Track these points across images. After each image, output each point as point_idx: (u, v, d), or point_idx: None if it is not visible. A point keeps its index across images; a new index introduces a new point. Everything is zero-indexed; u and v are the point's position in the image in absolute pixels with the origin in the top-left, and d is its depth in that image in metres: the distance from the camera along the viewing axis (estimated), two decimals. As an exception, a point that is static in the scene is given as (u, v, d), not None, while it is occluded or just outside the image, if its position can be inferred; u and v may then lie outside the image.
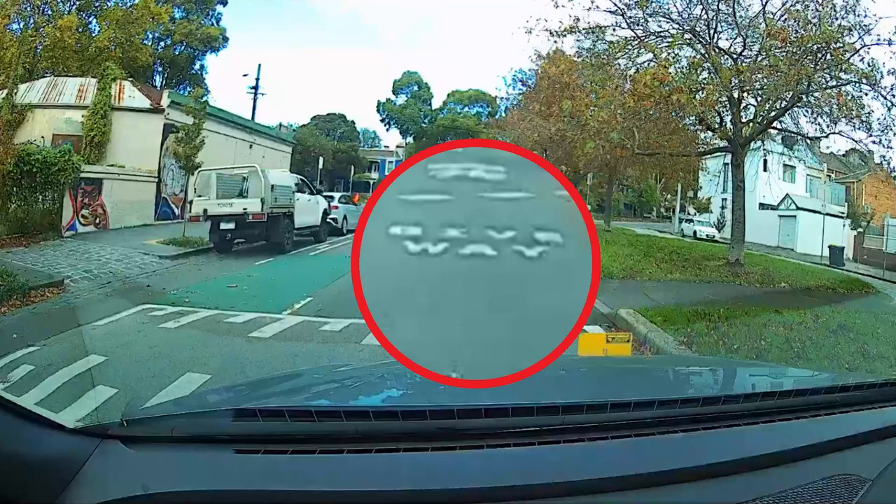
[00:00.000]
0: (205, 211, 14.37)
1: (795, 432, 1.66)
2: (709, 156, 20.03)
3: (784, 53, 12.01)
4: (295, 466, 1.40)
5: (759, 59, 12.78)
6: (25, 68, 26.72)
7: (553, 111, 22.13)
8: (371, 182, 70.69)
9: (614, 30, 14.25)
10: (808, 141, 19.03)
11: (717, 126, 14.23)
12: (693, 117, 14.23)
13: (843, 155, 47.93)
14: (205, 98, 19.22)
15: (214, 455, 1.45)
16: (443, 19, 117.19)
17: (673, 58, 12.77)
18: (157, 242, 14.77)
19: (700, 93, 12.09)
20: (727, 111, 14.02)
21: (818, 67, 11.87)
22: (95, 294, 9.65)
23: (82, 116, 20.59)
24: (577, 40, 15.79)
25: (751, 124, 14.14)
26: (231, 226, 14.32)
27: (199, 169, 15.86)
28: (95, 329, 7.13)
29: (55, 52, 28.34)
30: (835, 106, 12.52)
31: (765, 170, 19.95)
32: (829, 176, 48.92)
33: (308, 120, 70.61)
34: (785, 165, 38.18)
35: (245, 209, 14.19)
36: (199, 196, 14.79)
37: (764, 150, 18.30)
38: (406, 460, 1.43)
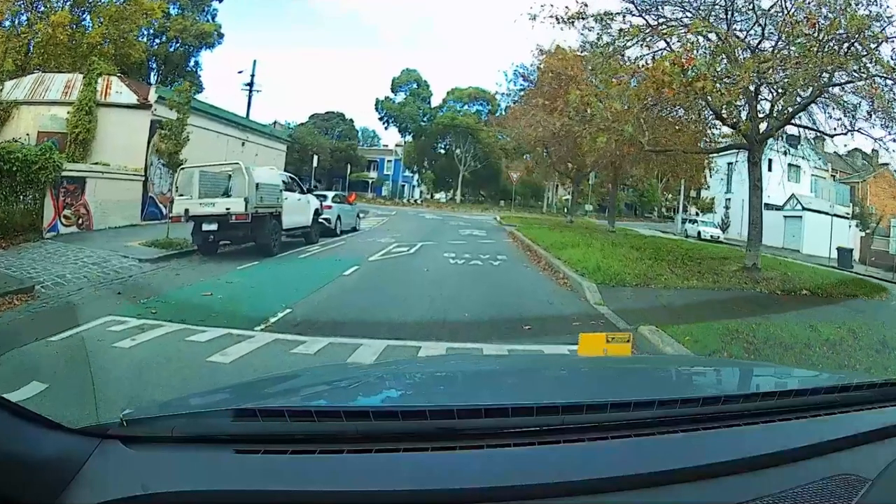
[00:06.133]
0: (186, 211, 13.56)
1: (795, 432, 1.66)
2: (721, 154, 19.04)
3: (813, 41, 11.06)
4: (295, 466, 1.39)
5: (782, 47, 11.81)
6: (17, 65, 25.89)
7: (557, 105, 21.20)
8: (369, 181, 70.04)
9: (624, 17, 13.30)
10: (813, 140, 18.26)
11: (737, 121, 13.24)
12: (711, 110, 13.24)
13: (846, 155, 47.56)
14: (190, 91, 18.15)
15: (214, 455, 1.43)
16: (443, 16, 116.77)
17: (692, 45, 11.77)
18: (139, 244, 14.09)
19: (723, 81, 11.01)
20: (744, 105, 13.08)
21: (849, 56, 10.93)
22: (63, 302, 8.90)
23: (67, 113, 19.69)
24: (582, 33, 14.87)
25: (769, 120, 13.20)
26: (213, 227, 13.44)
27: (181, 166, 14.93)
28: (49, 345, 6.30)
29: (47, 48, 27.95)
30: (864, 99, 11.61)
31: (769, 169, 19.09)
32: (833, 176, 48.49)
33: (307, 118, 69.81)
34: (790, 165, 37.50)
35: (228, 209, 13.32)
36: (181, 195, 13.93)
37: (771, 149, 17.38)
38: (406, 460, 1.42)
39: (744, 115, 13.48)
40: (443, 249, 17.39)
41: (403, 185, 73.03)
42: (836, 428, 1.70)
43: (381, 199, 64.98)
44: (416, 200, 67.09)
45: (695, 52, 11.35)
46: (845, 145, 16.14)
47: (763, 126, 13.45)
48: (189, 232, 14.18)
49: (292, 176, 18.44)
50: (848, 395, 1.91)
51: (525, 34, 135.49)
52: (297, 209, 16.44)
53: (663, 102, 12.54)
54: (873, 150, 15.21)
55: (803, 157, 27.81)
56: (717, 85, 10.87)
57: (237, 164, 14.41)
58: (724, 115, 13.28)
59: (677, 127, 15.95)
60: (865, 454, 1.59)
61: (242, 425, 1.49)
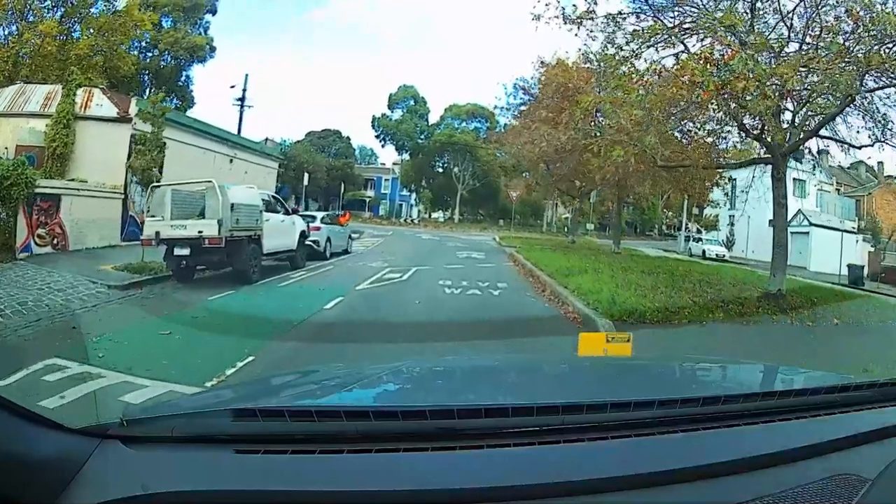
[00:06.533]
0: (157, 234, 12.49)
1: (795, 432, 1.67)
2: (728, 169, 17.90)
3: (852, 40, 9.98)
4: (295, 466, 1.40)
5: (809, 48, 10.69)
6: (5, 76, 25.45)
7: (562, 118, 20.13)
8: (366, 200, 69.10)
9: (638, 16, 12.21)
10: (817, 153, 17.35)
11: (761, 132, 12.07)
12: (734, 119, 12.12)
13: (849, 168, 46.94)
14: (165, 103, 16.98)
15: (214, 455, 1.45)
16: (441, 33, 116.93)
17: (729, 40, 10.47)
18: (111, 268, 13.29)
19: (764, 82, 9.76)
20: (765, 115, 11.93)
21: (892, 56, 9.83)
22: (15, 337, 8.06)
23: (46, 126, 18.75)
24: (586, 43, 13.83)
25: (793, 131, 12.11)
26: (185, 251, 12.37)
27: (153, 184, 13.85)
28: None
29: (35, 59, 27.59)
30: None
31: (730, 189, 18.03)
32: (838, 190, 47.95)
33: (303, 136, 69.13)
34: (795, 180, 36.73)
35: (200, 232, 12.26)
36: (152, 216, 12.82)
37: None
38: (406, 460, 1.44)
39: (766, 124, 12.32)
40: (438, 276, 16.19)
41: (401, 205, 72.24)
42: (836, 428, 1.71)
43: (378, 218, 64.24)
44: (413, 220, 66.31)
45: (734, 46, 10.11)
46: (869, 157, 15.16)
47: (782, 138, 12.23)
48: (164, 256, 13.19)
49: (275, 195, 17.44)
50: (848, 395, 1.93)
51: (525, 45, 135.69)
52: (280, 231, 15.47)
53: (692, 108, 11.30)
54: (879, 162, 14.20)
55: (821, 171, 26.87)
56: (758, 86, 9.66)
57: (210, 182, 13.27)
58: (748, 126, 12.17)
59: (686, 141, 14.83)
60: (865, 454, 1.60)
61: (242, 425, 1.50)
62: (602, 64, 12.36)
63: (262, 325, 9.29)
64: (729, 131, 13.49)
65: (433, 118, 68.11)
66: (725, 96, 10.49)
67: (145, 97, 26.77)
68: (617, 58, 11.76)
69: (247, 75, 58.55)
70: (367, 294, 12.92)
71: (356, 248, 24.51)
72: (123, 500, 1.28)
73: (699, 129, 13.71)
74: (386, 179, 73.05)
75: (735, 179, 23.09)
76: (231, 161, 25.19)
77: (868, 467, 1.50)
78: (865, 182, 47.73)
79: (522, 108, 35.78)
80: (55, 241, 15.55)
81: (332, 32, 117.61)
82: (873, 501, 1.40)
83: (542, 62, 28.98)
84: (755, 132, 12.46)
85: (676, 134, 15.48)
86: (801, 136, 12.32)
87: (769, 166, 13.52)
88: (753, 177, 15.38)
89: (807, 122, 12.23)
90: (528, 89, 33.59)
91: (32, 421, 1.35)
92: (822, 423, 1.73)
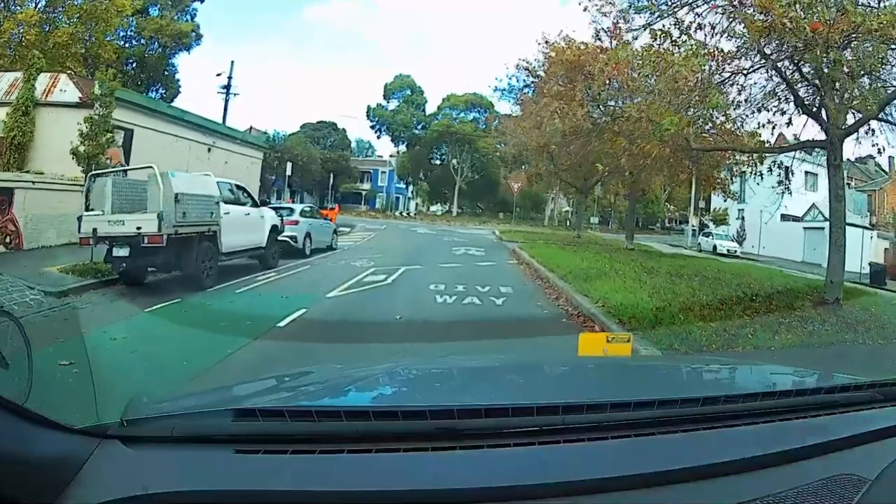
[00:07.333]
0: (94, 231, 10.68)
1: (795, 432, 1.65)
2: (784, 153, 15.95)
3: None
4: (295, 466, 1.40)
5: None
6: None
7: (576, 93, 18.13)
8: (362, 193, 67.37)
9: None
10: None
11: (818, 107, 10.04)
12: (791, 91, 10.21)
13: (858, 161, 45.49)
14: (114, 80, 14.95)
15: (214, 455, 1.45)
16: (440, 20, 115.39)
17: None
18: (57, 270, 11.81)
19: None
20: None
21: None
22: None
23: (6, 114, 17.56)
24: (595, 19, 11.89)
25: (844, 106, 10.13)
26: (125, 252, 10.48)
27: (92, 173, 11.99)
28: None
29: (17, 49, 26.44)
30: None
31: (787, 178, 16.20)
32: (849, 184, 46.61)
33: (298, 128, 67.36)
34: (806, 173, 35.28)
35: (139, 229, 10.34)
36: (91, 210, 11.00)
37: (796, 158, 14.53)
38: (406, 460, 1.43)
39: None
40: (430, 278, 14.06)
41: (398, 198, 70.78)
42: (836, 428, 1.69)
43: (375, 211, 62.83)
44: (409, 213, 64.65)
45: None
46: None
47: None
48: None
49: (238, 184, 15.13)
50: (848, 395, 1.90)
51: (525, 34, 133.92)
52: (245, 227, 13.61)
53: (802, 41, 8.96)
54: (890, 156, 12.66)
55: (819, 165, 25.68)
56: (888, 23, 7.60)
57: (151, 167, 11.41)
58: (805, 100, 10.23)
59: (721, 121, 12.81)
60: (865, 454, 1.59)
61: (242, 425, 1.50)
62: (644, 13, 10.11)
63: (192, 349, 7.30)
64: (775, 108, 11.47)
65: (430, 108, 66.45)
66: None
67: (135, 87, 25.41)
68: (657, 6, 9.67)
69: (232, 62, 57.05)
70: (339, 304, 10.82)
71: (344, 243, 22.90)
72: (123, 500, 1.27)
73: (745, 103, 11.66)
74: (382, 172, 71.54)
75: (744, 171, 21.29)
76: (209, 150, 23.61)
77: (868, 467, 1.49)
78: (876, 177, 46.55)
79: (525, 90, 33.76)
80: (8, 240, 14.40)
81: (327, 26, 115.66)
82: (873, 501, 1.40)
83: (546, 41, 27.09)
84: (813, 109, 10.50)
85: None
86: (866, 114, 10.25)
87: (779, 155, 11.83)
88: (742, 172, 13.47)
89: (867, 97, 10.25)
90: (532, 70, 31.48)
91: (32, 421, 1.34)
92: (822, 423, 1.72)
